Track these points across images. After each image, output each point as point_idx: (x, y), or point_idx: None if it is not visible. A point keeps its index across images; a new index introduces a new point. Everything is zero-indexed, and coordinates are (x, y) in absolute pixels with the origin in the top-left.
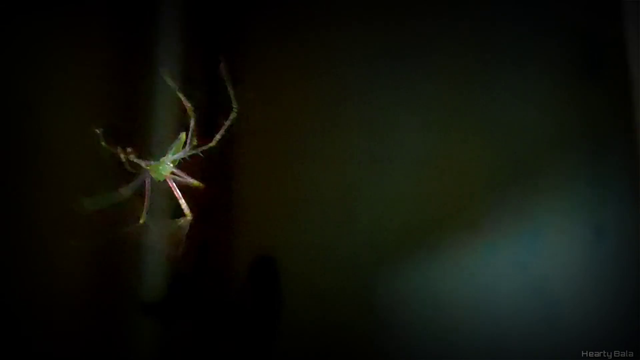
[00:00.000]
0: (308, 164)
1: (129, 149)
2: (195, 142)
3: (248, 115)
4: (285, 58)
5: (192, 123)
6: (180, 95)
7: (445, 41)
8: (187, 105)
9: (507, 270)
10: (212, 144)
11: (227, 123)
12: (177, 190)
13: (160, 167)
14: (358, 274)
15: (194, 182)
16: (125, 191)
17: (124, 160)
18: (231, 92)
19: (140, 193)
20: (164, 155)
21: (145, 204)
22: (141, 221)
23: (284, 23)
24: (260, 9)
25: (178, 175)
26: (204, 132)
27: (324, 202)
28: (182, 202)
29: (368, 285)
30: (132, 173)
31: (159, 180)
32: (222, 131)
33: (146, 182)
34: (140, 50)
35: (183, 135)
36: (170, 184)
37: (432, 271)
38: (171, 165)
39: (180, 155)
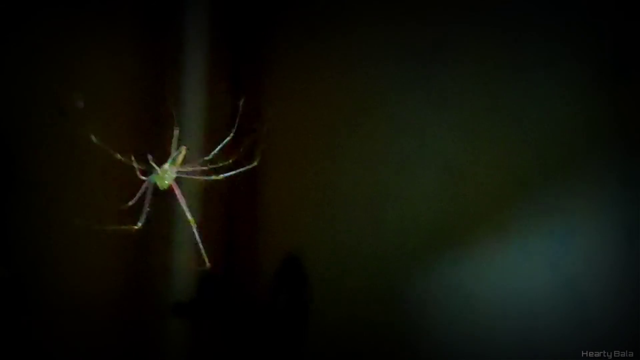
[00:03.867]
0: (336, 164)
1: (149, 155)
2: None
3: (275, 116)
4: (313, 59)
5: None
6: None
7: (475, 42)
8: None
9: (538, 270)
10: (217, 177)
11: (224, 142)
12: (182, 198)
13: (165, 176)
14: (387, 273)
15: (213, 177)
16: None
17: (135, 166)
18: (237, 118)
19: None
20: (165, 163)
21: (144, 209)
22: (139, 225)
23: (312, 25)
24: (288, 10)
25: (186, 176)
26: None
27: (352, 203)
28: (187, 210)
29: (397, 285)
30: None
31: (163, 189)
32: (220, 147)
33: (147, 189)
34: (172, 56)
35: (183, 148)
36: (175, 191)
37: (463, 271)
38: (174, 173)
39: (187, 170)
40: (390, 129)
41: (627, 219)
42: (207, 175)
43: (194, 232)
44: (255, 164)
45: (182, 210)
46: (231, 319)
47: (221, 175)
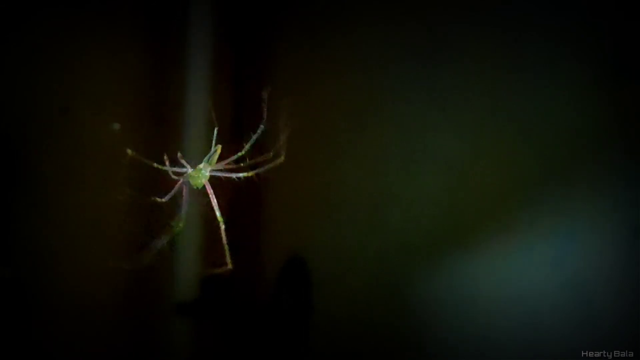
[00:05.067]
0: (339, 164)
1: (179, 154)
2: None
3: (279, 117)
4: (317, 59)
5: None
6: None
7: (475, 42)
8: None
9: (540, 269)
10: (248, 175)
11: (254, 137)
12: (214, 197)
13: (200, 175)
14: (389, 274)
15: (244, 174)
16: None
17: (167, 169)
18: (264, 111)
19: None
20: (199, 163)
21: (184, 210)
22: (181, 225)
23: (312, 25)
24: (292, 10)
25: (220, 174)
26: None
27: (354, 203)
28: (217, 210)
29: (400, 285)
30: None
31: (197, 188)
32: (250, 142)
33: (184, 189)
34: (174, 56)
35: (219, 147)
36: (208, 190)
37: (466, 271)
38: (209, 173)
39: (218, 168)
40: (391, 129)
41: (628, 219)
42: (238, 172)
43: (220, 232)
44: (282, 159)
45: (189, 211)
46: (234, 320)
47: (251, 172)
